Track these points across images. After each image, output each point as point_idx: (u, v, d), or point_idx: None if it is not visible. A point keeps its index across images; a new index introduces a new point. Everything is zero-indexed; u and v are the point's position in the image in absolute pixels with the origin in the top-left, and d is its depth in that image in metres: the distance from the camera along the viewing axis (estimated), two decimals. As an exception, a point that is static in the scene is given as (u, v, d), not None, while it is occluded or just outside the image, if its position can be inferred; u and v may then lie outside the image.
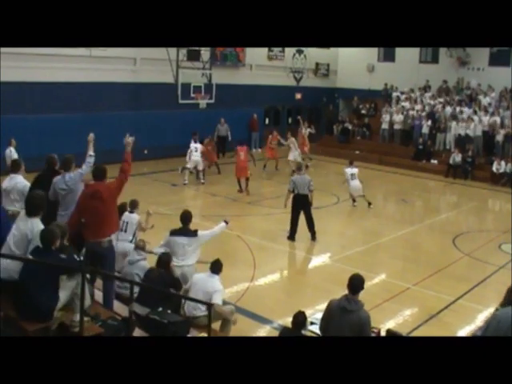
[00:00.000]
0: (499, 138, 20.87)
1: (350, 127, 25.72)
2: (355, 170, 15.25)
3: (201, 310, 6.78)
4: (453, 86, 24.97)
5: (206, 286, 6.90)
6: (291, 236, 11.90)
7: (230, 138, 21.71)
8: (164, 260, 7.04)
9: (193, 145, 17.15)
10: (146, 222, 8.54)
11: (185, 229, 7.68)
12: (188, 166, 17.12)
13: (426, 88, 25.16)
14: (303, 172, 12.21)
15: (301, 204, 11.81)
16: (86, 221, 6.44)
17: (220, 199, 15.59)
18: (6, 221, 5.88)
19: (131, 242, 8.16)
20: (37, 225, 5.36)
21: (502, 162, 19.91)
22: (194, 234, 7.65)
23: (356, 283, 5.29)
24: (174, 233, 7.70)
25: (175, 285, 6.97)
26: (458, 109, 22.65)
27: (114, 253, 6.73)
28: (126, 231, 8.21)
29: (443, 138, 22.43)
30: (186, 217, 7.78)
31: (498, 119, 21.28)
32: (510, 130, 20.61)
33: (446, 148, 22.19)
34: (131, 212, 8.38)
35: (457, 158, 20.83)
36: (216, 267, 7.12)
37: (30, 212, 5.42)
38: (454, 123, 22.08)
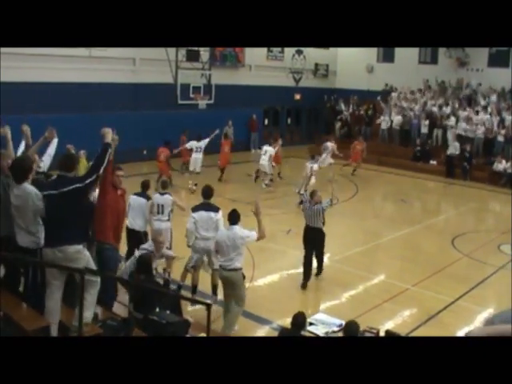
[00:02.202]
0: (500, 138, 20.87)
1: (348, 119, 25.65)
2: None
3: (231, 264, 7.18)
4: (452, 86, 24.98)
5: (233, 241, 7.23)
6: (304, 283, 9.51)
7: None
8: (145, 261, 6.94)
9: (266, 147, 17.21)
10: (182, 201, 9.21)
11: (207, 203, 8.12)
12: (266, 170, 17.12)
13: (425, 88, 25.18)
14: (316, 201, 9.65)
15: (311, 239, 9.68)
16: None
17: (219, 199, 15.56)
18: None
19: (168, 220, 8.88)
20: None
21: (503, 161, 19.88)
22: (216, 210, 8.03)
23: (354, 329, 5.46)
24: (196, 208, 8.10)
25: (160, 285, 7.00)
26: (457, 107, 22.62)
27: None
28: (162, 213, 8.79)
29: (441, 133, 22.39)
30: (207, 192, 8.22)
31: (497, 120, 21.29)
32: (510, 132, 20.61)
33: (445, 143, 22.02)
34: (162, 194, 8.70)
35: (455, 149, 20.61)
36: (234, 218, 7.39)
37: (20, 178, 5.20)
38: (452, 119, 22.03)
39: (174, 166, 17.73)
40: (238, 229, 7.37)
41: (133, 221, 8.69)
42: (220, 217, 8.02)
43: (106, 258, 6.40)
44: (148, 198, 8.93)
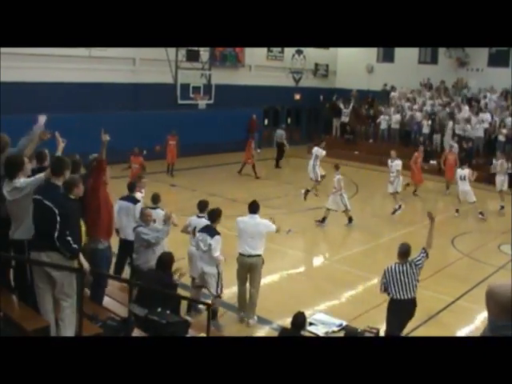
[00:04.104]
0: (501, 138, 20.80)
1: (348, 122, 25.63)
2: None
3: (255, 250, 7.79)
4: (452, 86, 24.97)
5: (257, 228, 7.85)
6: None
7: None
8: (164, 260, 6.98)
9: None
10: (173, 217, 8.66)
11: (209, 226, 7.75)
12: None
13: (427, 86, 25.15)
14: (407, 258, 6.82)
15: (401, 314, 6.72)
16: None
17: (219, 200, 15.57)
18: None
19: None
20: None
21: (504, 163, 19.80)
22: (213, 234, 7.56)
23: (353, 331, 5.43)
24: (201, 230, 7.79)
25: (172, 287, 6.95)
26: (456, 110, 22.59)
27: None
28: None
29: (439, 138, 22.38)
30: (211, 215, 7.83)
31: (497, 120, 21.26)
32: (511, 131, 20.57)
33: (443, 148, 22.03)
34: (154, 208, 8.41)
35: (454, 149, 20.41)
36: (254, 207, 8.01)
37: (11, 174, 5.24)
38: (450, 123, 22.02)
39: (156, 169, 17.66)
40: (260, 218, 7.94)
41: (125, 230, 8.20)
42: (214, 242, 7.48)
43: (98, 259, 6.35)
44: (135, 201, 8.50)
